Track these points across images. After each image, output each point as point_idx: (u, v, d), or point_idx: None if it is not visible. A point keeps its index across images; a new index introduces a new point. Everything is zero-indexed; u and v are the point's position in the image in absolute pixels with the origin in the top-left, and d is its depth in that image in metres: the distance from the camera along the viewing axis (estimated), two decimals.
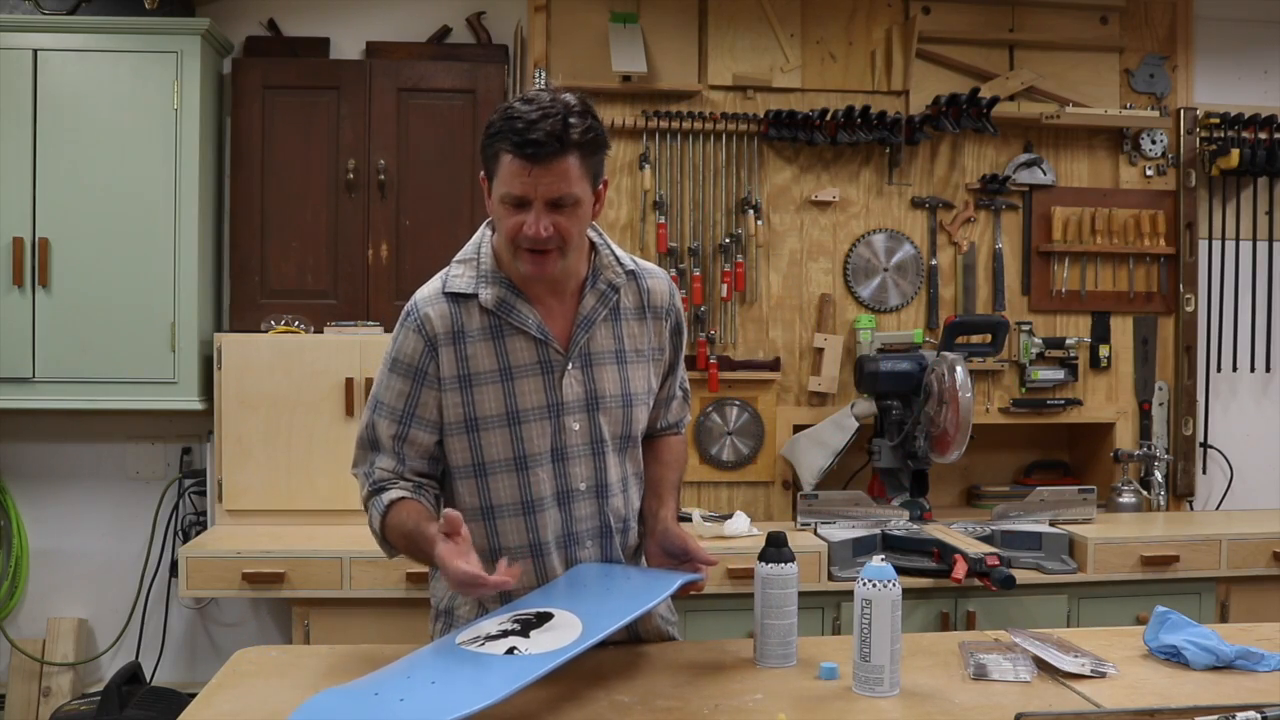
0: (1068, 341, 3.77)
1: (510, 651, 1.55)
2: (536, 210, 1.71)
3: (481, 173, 1.79)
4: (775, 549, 1.81)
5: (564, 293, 1.85)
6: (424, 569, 2.97)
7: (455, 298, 1.83)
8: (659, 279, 1.95)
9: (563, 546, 1.88)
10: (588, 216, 1.79)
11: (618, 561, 1.92)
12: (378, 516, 1.84)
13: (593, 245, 1.89)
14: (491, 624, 1.66)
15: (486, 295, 1.81)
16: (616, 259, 1.90)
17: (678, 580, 1.78)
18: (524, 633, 1.61)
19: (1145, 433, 3.81)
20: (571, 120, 1.69)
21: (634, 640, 1.95)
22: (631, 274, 1.91)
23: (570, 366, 1.84)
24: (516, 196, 1.71)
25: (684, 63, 3.63)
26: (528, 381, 1.82)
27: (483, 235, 1.89)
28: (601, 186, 1.81)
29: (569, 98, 1.73)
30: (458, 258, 1.88)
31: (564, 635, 1.59)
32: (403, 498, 1.82)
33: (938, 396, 3.23)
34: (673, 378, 2.02)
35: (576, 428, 1.84)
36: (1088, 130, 3.80)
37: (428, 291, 1.85)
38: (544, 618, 1.66)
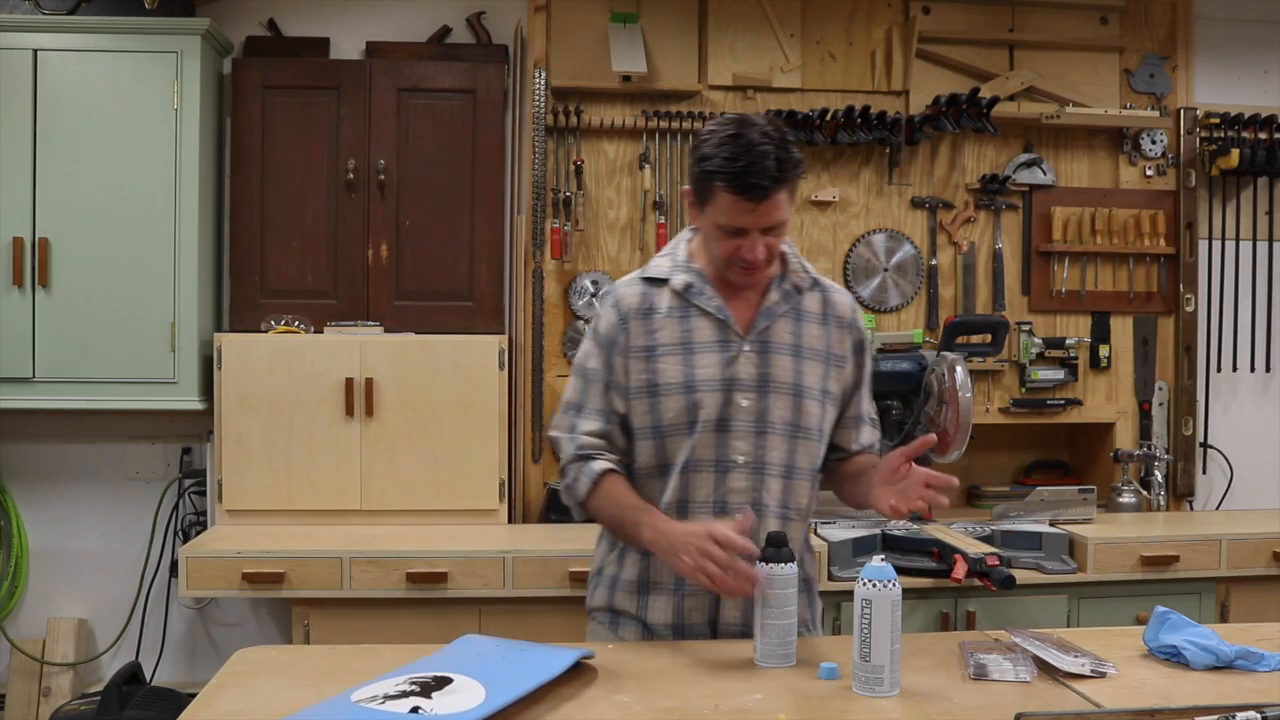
0: (1068, 341, 3.77)
1: (414, 711, 1.53)
2: (753, 239, 1.91)
3: (687, 186, 1.98)
4: (775, 549, 1.81)
5: (752, 287, 2.02)
6: (422, 569, 2.99)
7: (650, 281, 2.05)
8: (842, 294, 2.12)
9: (712, 512, 1.97)
10: (788, 230, 1.99)
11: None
12: (586, 483, 2.00)
13: (784, 255, 2.05)
14: (388, 684, 1.63)
15: (677, 280, 2.02)
16: (804, 268, 2.07)
17: (576, 654, 1.77)
18: (425, 694, 1.59)
19: (1145, 433, 3.81)
20: (782, 158, 1.86)
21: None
22: (816, 284, 2.08)
23: (746, 348, 1.99)
24: (734, 228, 1.91)
25: (684, 63, 3.63)
26: (706, 356, 1.98)
27: (682, 237, 2.10)
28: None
29: (770, 129, 1.88)
30: (658, 254, 2.12)
31: (467, 699, 1.57)
32: (611, 470, 2.00)
33: (938, 396, 3.23)
34: (858, 395, 2.12)
35: (745, 404, 1.97)
36: (1088, 130, 3.80)
37: (626, 278, 2.10)
38: (443, 681, 1.63)
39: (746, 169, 1.84)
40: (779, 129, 1.90)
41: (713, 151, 1.88)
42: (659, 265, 2.07)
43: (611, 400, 2.02)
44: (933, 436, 1.88)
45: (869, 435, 2.15)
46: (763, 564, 1.80)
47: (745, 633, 1.99)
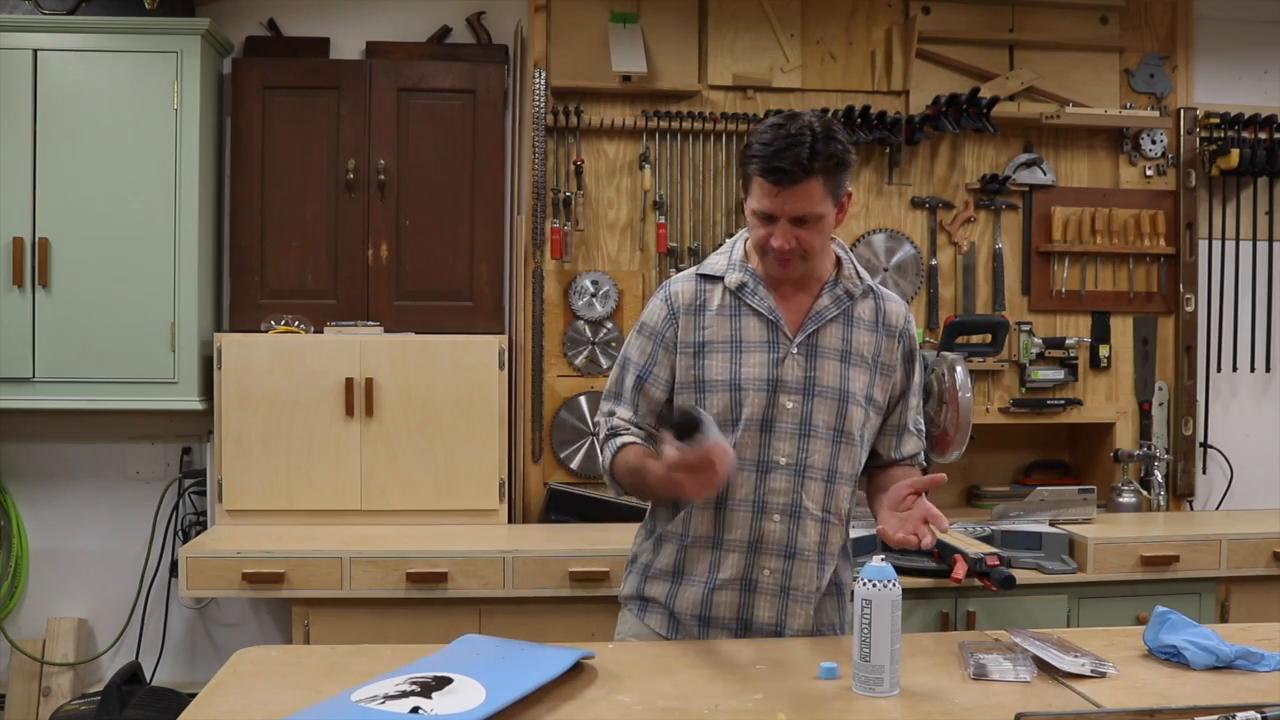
0: (1068, 341, 3.77)
1: (414, 711, 1.53)
2: (782, 226, 1.91)
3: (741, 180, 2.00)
4: (683, 426, 1.75)
5: (804, 291, 2.04)
6: (422, 569, 2.99)
7: (705, 278, 2.07)
8: (897, 303, 2.11)
9: (751, 510, 1.99)
10: (830, 228, 1.97)
11: (806, 548, 2.01)
12: (609, 456, 2.05)
13: (839, 260, 2.07)
14: (388, 684, 1.63)
15: (731, 278, 2.04)
16: (858, 275, 2.07)
17: (576, 654, 1.77)
18: (425, 694, 1.59)
19: (1145, 433, 3.81)
20: (817, 147, 1.86)
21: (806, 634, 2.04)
22: (869, 291, 2.08)
23: (794, 351, 2.00)
24: (764, 213, 1.92)
25: (684, 63, 3.63)
26: (753, 356, 2.00)
27: (740, 236, 2.10)
28: (846, 199, 1.97)
29: (814, 123, 1.90)
30: (716, 251, 2.13)
31: (468, 699, 1.57)
32: (632, 442, 2.03)
33: (938, 396, 3.23)
34: (904, 404, 2.12)
35: (790, 406, 1.99)
36: (1088, 130, 3.80)
37: (682, 274, 2.11)
38: (443, 681, 1.64)
39: (776, 154, 1.86)
40: (826, 124, 1.91)
41: (754, 140, 1.91)
42: (715, 263, 2.08)
43: (647, 391, 2.05)
44: (942, 476, 1.85)
45: (911, 445, 2.14)
46: (682, 442, 1.74)
47: (777, 631, 2.01)
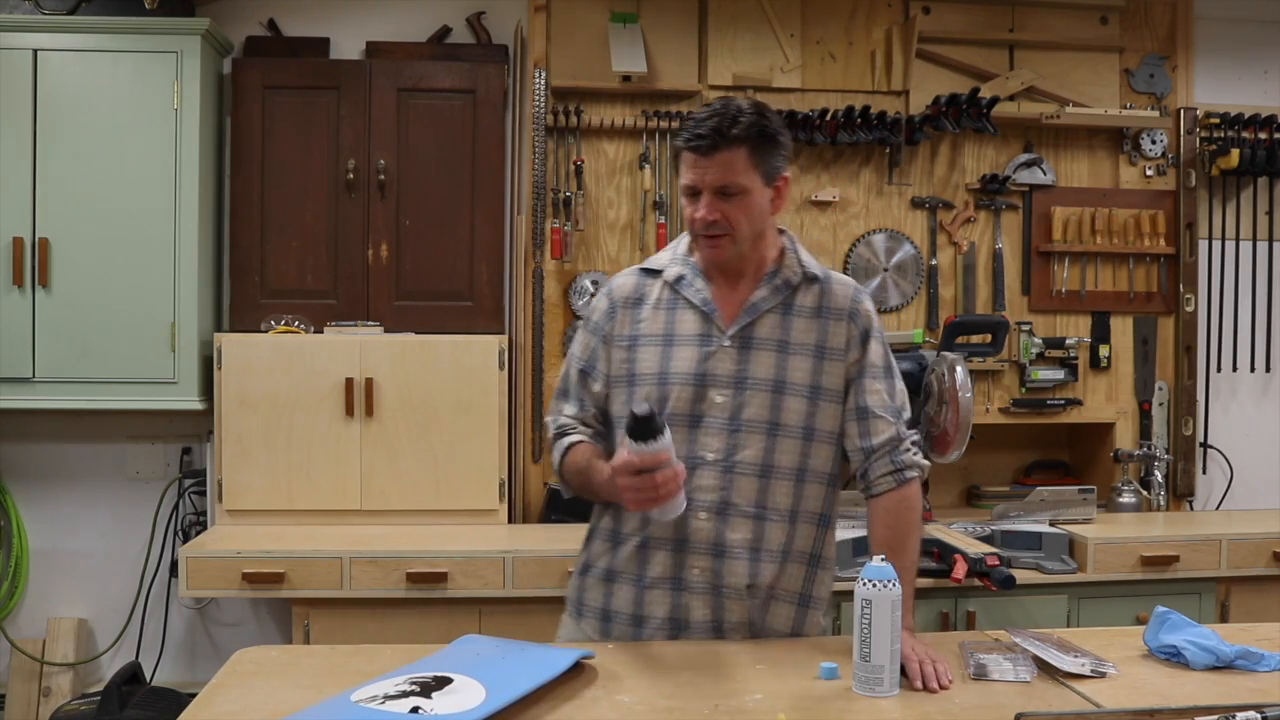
0: (1068, 341, 3.77)
1: (414, 711, 1.53)
2: (705, 198, 1.91)
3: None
4: (639, 427, 1.71)
5: (743, 282, 2.01)
6: (422, 569, 2.99)
7: (647, 272, 2.08)
8: (844, 285, 2.05)
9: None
10: (759, 207, 1.94)
11: (735, 545, 1.94)
12: (559, 456, 2.05)
13: (783, 251, 2.04)
14: (388, 684, 1.63)
15: (671, 271, 2.04)
16: (801, 263, 2.03)
17: (576, 654, 1.77)
18: (425, 694, 1.59)
19: (1145, 433, 3.81)
20: (740, 118, 1.87)
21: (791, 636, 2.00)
22: (814, 279, 2.02)
23: (726, 344, 1.97)
24: (688, 185, 1.92)
25: (684, 63, 3.63)
26: (684, 350, 1.98)
27: (686, 232, 2.08)
28: (781, 182, 1.96)
29: (742, 101, 1.93)
30: (665, 248, 2.14)
31: (468, 699, 1.57)
32: (580, 441, 2.03)
33: (938, 396, 3.23)
34: (860, 385, 1.99)
35: (719, 400, 1.95)
36: (1088, 130, 3.80)
37: (628, 269, 2.12)
38: (443, 681, 1.64)
39: (699, 124, 1.88)
40: (758, 105, 1.92)
41: (681, 123, 1.92)
42: (659, 258, 2.09)
43: (589, 385, 2.05)
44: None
45: (885, 433, 1.98)
46: (634, 442, 1.72)
47: (716, 629, 1.96)
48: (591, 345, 2.06)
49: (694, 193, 1.92)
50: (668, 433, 1.74)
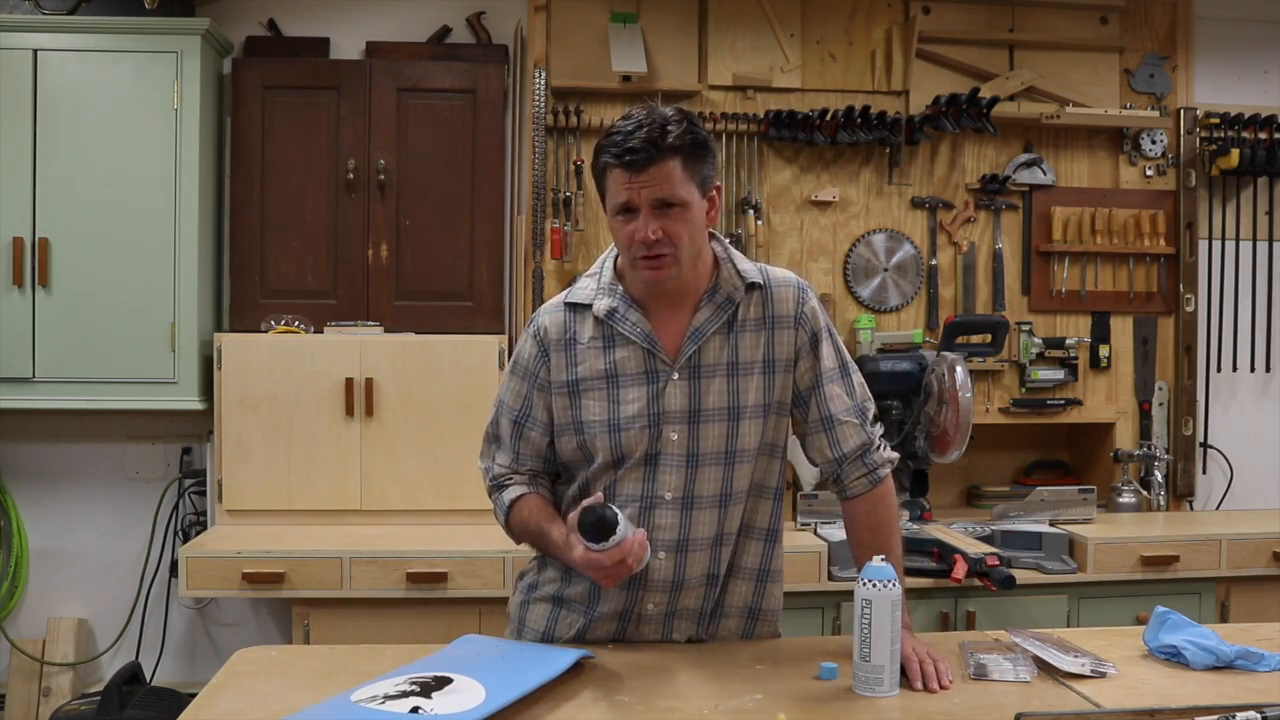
0: (1068, 341, 3.77)
1: (414, 711, 1.52)
2: (644, 215, 1.77)
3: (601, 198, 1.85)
4: (594, 529, 1.70)
5: (681, 306, 1.88)
6: (422, 569, 2.99)
7: (573, 307, 1.92)
8: (786, 287, 1.91)
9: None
10: (697, 221, 1.81)
11: (692, 577, 1.90)
12: (501, 513, 1.98)
13: (716, 260, 1.90)
14: (388, 684, 1.63)
15: (600, 305, 1.88)
16: (738, 272, 1.89)
17: (576, 655, 1.76)
18: (425, 694, 1.58)
19: (1145, 433, 3.81)
20: (669, 128, 1.75)
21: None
22: (755, 286, 1.89)
23: (675, 377, 1.86)
24: (623, 204, 1.78)
25: (684, 63, 3.63)
26: (632, 390, 1.86)
27: (608, 254, 1.95)
28: (715, 191, 1.84)
29: (666, 110, 1.79)
30: (585, 273, 1.96)
31: (467, 699, 1.57)
32: (522, 495, 1.94)
33: (938, 396, 3.23)
34: (820, 394, 1.91)
35: (675, 437, 1.86)
36: (1088, 130, 3.80)
37: (550, 302, 1.96)
38: (443, 681, 1.64)
39: (628, 137, 1.75)
40: (682, 111, 1.80)
41: (603, 139, 1.79)
42: (582, 288, 1.92)
43: (525, 435, 1.93)
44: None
45: (854, 439, 1.92)
46: (595, 544, 1.70)
47: (663, 639, 1.93)
48: (524, 393, 1.92)
49: (628, 210, 1.78)
50: (622, 519, 1.70)
